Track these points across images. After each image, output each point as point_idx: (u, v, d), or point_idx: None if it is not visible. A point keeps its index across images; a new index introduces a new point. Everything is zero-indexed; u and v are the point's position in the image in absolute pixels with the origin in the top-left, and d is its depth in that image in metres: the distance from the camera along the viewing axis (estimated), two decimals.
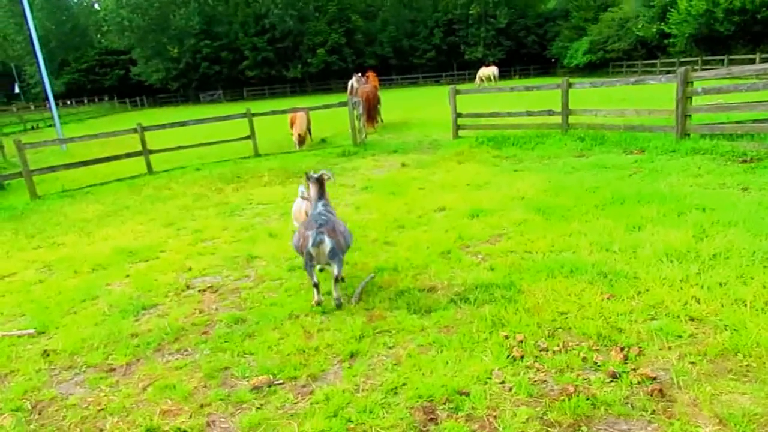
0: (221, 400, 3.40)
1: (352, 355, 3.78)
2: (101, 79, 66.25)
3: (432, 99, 31.66)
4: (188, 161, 14.18)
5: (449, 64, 63.52)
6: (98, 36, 70.16)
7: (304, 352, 3.88)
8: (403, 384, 3.36)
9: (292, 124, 15.40)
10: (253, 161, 13.61)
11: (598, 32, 50.08)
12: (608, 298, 4.17)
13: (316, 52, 59.99)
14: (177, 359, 4.02)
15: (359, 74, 20.18)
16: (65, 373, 3.99)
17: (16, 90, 53.74)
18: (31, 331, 4.74)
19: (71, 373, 3.99)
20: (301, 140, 15.20)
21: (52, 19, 63.10)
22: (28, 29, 23.39)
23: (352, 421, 3.04)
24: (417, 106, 27.75)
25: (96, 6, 72.43)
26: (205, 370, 3.76)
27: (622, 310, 3.97)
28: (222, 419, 3.22)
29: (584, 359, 3.42)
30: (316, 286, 4.58)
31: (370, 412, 3.11)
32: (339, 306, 4.55)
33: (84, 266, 6.49)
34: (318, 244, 4.38)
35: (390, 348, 3.85)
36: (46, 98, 25.33)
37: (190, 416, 3.26)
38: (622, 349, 3.46)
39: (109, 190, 11.69)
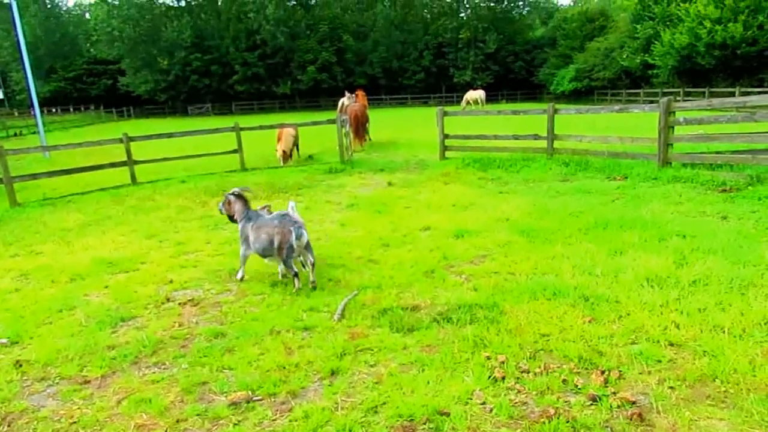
0: (198, 415, 3.34)
1: (332, 373, 3.74)
2: (88, 88, 65.85)
3: (420, 120, 31.96)
4: (174, 173, 14.08)
5: (438, 86, 64.38)
6: (87, 45, 69.97)
7: (284, 368, 3.83)
8: (384, 403, 3.33)
9: (279, 140, 15.40)
10: (240, 175, 13.56)
11: (584, 61, 51.20)
12: (590, 322, 4.20)
13: (307, 69, 60.40)
14: (154, 373, 3.94)
15: (351, 93, 20.34)
16: (38, 385, 3.89)
17: (0, 96, 53.15)
18: (5, 340, 4.63)
19: (44, 385, 3.89)
20: (285, 157, 15.18)
21: (41, 26, 62.83)
22: (16, 35, 23.23)
23: None
24: (405, 126, 27.97)
25: (87, 15, 72.33)
26: (183, 385, 3.69)
27: (603, 333, 3.99)
28: None
29: (565, 381, 3.43)
30: (296, 275, 5.30)
31: (350, 431, 3.07)
32: (315, 288, 5.33)
33: (62, 276, 6.37)
34: (299, 237, 5.21)
35: (371, 366, 3.82)
36: (31, 105, 25.04)
37: (166, 431, 3.19)
38: (602, 373, 3.47)
39: (92, 200, 11.54)
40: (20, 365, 4.16)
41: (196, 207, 10.01)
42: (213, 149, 15.30)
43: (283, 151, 15.09)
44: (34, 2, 62.38)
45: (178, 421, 3.28)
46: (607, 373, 3.48)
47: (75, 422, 3.37)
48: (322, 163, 14.77)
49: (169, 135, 14.77)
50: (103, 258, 6.90)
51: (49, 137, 26.81)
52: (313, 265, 5.40)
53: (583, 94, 50.77)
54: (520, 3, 68.39)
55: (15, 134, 36.63)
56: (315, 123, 16.01)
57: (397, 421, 3.14)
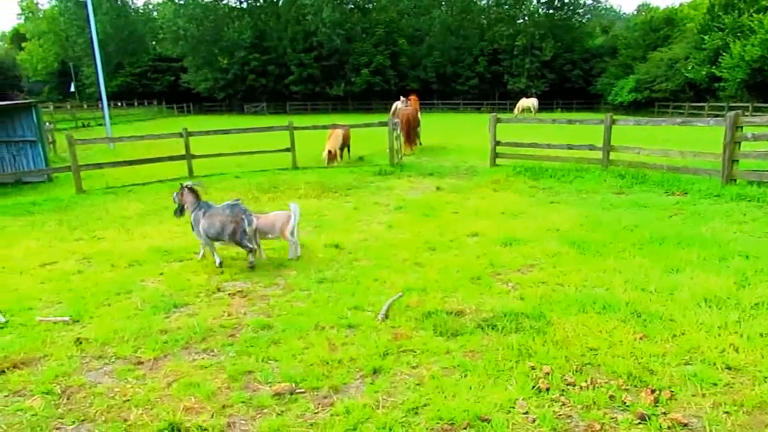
0: (243, 402, 3.43)
1: (375, 371, 3.77)
2: (152, 84, 68.71)
3: (471, 126, 31.70)
4: (228, 168, 14.50)
5: (491, 93, 63.63)
6: (153, 43, 73.08)
7: (327, 363, 3.89)
8: (425, 404, 3.33)
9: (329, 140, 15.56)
10: (291, 173, 13.83)
11: (646, 71, 49.49)
12: (641, 339, 4.06)
13: (360, 72, 61.01)
14: (203, 359, 4.08)
15: (404, 98, 20.40)
16: (95, 362, 4.10)
17: (72, 89, 56.18)
18: (67, 318, 4.89)
19: (101, 363, 4.09)
20: (331, 157, 15.17)
21: (112, 24, 65.99)
22: (90, 32, 24.55)
23: None
24: (456, 131, 27.82)
25: (155, 14, 75.56)
26: (230, 372, 3.81)
27: (655, 351, 3.85)
28: (243, 421, 3.24)
29: (612, 398, 3.33)
30: (252, 251, 6.21)
31: (390, 430, 3.08)
32: (253, 268, 6.17)
33: (121, 261, 6.68)
34: (251, 223, 6.15)
35: (413, 368, 3.83)
36: (100, 98, 26.40)
37: (212, 416, 3.30)
38: (653, 391, 3.35)
39: (151, 191, 12.04)
40: (80, 342, 4.39)
41: (249, 202, 10.27)
42: (266, 147, 15.66)
43: (329, 151, 15.14)
44: (107, 0, 65.66)
45: (224, 407, 3.39)
46: (657, 392, 3.35)
47: (128, 400, 3.53)
48: (372, 165, 14.87)
49: (225, 131, 15.24)
50: (159, 246, 7.19)
51: (114, 129, 28.15)
52: (251, 250, 6.23)
53: (642, 106, 49.07)
54: (580, 10, 66.67)
55: (83, 125, 38.64)
56: (367, 125, 16.15)
57: (438, 423, 3.13)
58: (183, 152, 13.70)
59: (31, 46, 71.62)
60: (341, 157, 15.84)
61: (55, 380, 3.80)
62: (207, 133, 15.06)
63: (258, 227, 6.45)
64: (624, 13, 76.13)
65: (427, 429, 3.09)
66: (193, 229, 6.59)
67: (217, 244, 6.45)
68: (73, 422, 3.31)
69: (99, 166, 13.60)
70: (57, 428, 3.26)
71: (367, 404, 3.34)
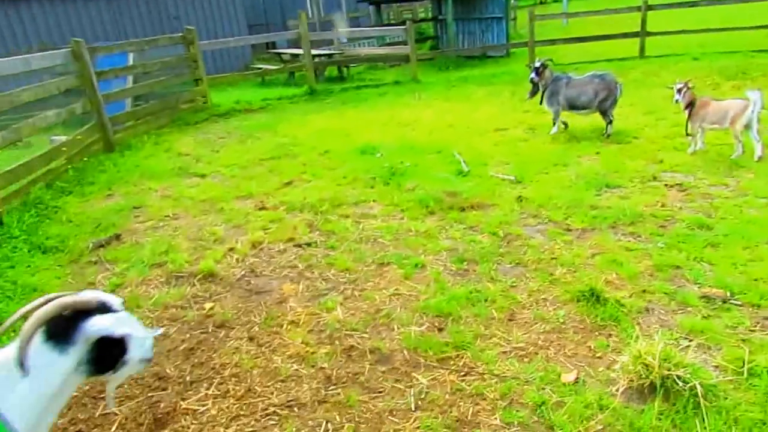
0: (665, 293, 3.34)
1: None
2: None
3: None
4: (686, 48, 12.80)
5: None
6: None
7: None
8: None
9: None
10: None
11: None
12: None
13: None
14: (629, 241, 4.08)
15: None
16: (531, 219, 4.64)
17: None
18: (512, 177, 5.60)
19: (535, 221, 4.60)
20: None
21: None
22: None
23: None
24: None
25: None
26: (656, 261, 3.71)
27: None
28: (662, 311, 3.18)
29: None
30: (611, 122, 6.78)
31: None
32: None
33: (562, 136, 7.05)
34: (621, 93, 6.75)
35: None
36: None
37: (631, 295, 3.35)
38: None
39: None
40: (521, 200, 5.01)
41: (705, 89, 8.98)
42: (740, 23, 12.97)
43: None
44: None
45: (644, 291, 3.38)
46: None
47: (555, 258, 3.91)
48: None
49: (692, 3, 13.28)
50: (597, 127, 7.15)
51: (571, 4, 28.25)
52: (611, 121, 6.78)
53: None
54: None
55: (540, 2, 40.11)
56: None
57: None
58: (637, 29, 12.75)
59: None
60: None
61: (499, 225, 4.51)
62: (670, 5, 13.46)
63: (707, 114, 5.68)
64: None
65: None
66: (541, 103, 7.13)
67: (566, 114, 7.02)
68: (510, 263, 3.91)
69: (552, 42, 14.08)
70: (498, 263, 3.92)
71: None
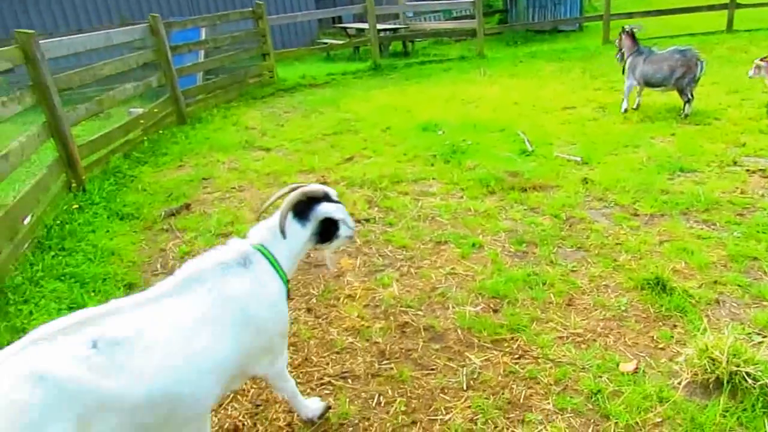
0: (739, 286, 3.15)
1: None
2: None
3: None
4: None
5: None
6: None
7: None
8: None
9: None
10: None
11: None
12: None
13: None
14: (702, 229, 3.87)
15: None
16: (596, 203, 4.47)
17: None
18: (578, 158, 5.41)
19: (601, 204, 4.44)
20: None
21: None
22: None
23: None
24: None
25: None
26: (730, 251, 3.51)
27: None
28: (735, 304, 3.01)
29: None
30: (689, 101, 6.30)
31: None
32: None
33: (634, 116, 6.71)
34: (702, 69, 6.25)
35: None
36: None
37: (701, 286, 3.19)
38: None
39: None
40: (586, 182, 4.83)
41: None
42: None
43: None
44: None
45: (715, 282, 3.20)
46: None
47: (619, 244, 3.77)
48: None
49: None
50: (674, 106, 6.76)
51: None
52: (689, 100, 6.33)
53: None
54: None
55: None
56: None
57: None
58: (726, 0, 11.83)
59: None
60: None
61: (562, 208, 4.38)
62: None
63: None
64: None
65: None
66: (623, 73, 6.80)
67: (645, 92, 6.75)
68: (571, 246, 3.81)
69: (629, 15, 13.28)
70: (558, 246, 3.83)
71: None
